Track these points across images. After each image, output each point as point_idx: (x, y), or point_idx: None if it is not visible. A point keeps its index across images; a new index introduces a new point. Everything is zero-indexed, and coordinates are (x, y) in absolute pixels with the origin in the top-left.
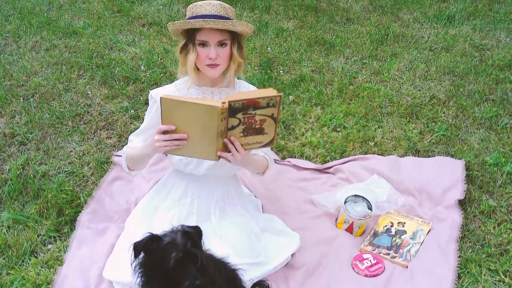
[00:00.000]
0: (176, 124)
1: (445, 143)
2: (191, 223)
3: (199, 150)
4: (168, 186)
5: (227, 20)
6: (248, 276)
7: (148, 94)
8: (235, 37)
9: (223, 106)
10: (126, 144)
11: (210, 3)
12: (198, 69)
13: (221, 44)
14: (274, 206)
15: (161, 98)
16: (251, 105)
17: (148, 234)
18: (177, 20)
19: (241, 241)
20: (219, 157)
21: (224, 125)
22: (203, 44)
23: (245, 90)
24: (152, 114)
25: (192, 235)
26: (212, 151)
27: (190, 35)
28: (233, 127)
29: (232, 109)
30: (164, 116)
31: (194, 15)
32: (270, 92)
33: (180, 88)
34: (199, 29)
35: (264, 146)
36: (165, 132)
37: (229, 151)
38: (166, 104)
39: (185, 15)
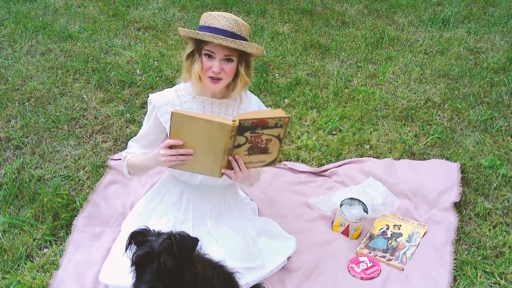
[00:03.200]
0: (184, 138)
1: (440, 146)
2: (187, 228)
3: (203, 166)
4: (164, 190)
5: (236, 40)
6: (245, 280)
7: (143, 97)
8: (243, 56)
9: (233, 124)
10: (125, 148)
11: (224, 17)
12: (200, 80)
13: (227, 59)
14: (270, 209)
15: (172, 112)
16: (260, 124)
17: (143, 227)
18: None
19: (237, 245)
20: (222, 174)
21: (232, 143)
22: (209, 55)
23: (247, 101)
24: (151, 121)
25: (176, 242)
26: (216, 168)
27: (198, 44)
28: (239, 145)
29: (241, 128)
30: (172, 130)
31: (206, 25)
32: (279, 113)
33: (181, 95)
34: (208, 42)
35: (266, 165)
36: (171, 147)
37: (232, 169)
38: (177, 119)
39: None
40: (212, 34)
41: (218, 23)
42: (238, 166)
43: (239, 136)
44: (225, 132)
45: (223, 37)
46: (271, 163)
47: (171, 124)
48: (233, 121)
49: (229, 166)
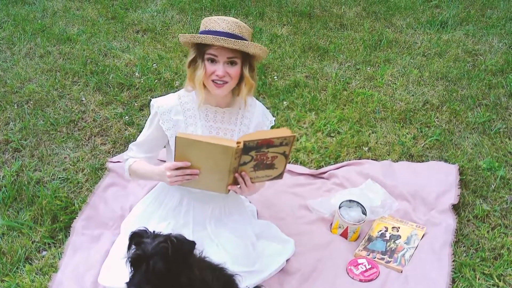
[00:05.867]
0: (189, 160)
1: (438, 148)
2: (187, 232)
3: (209, 184)
4: (163, 194)
5: (239, 40)
6: (244, 284)
7: (142, 100)
8: (246, 58)
9: (238, 146)
10: (124, 151)
11: (225, 20)
12: (205, 86)
13: (231, 62)
14: (269, 212)
15: (176, 137)
16: (264, 144)
17: (142, 228)
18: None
19: (237, 248)
20: (229, 190)
21: (237, 162)
22: (212, 60)
23: (252, 108)
24: (153, 127)
25: (172, 245)
26: (222, 186)
27: (200, 49)
28: (245, 163)
29: (246, 148)
30: (177, 153)
31: (207, 29)
32: (284, 132)
33: (184, 102)
34: (210, 45)
35: (273, 179)
36: (178, 168)
37: (238, 184)
38: (181, 142)
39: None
40: (213, 36)
41: (219, 26)
42: (244, 182)
43: (245, 155)
44: (229, 154)
45: (225, 38)
46: (278, 177)
47: (175, 147)
48: (238, 143)
49: (235, 182)
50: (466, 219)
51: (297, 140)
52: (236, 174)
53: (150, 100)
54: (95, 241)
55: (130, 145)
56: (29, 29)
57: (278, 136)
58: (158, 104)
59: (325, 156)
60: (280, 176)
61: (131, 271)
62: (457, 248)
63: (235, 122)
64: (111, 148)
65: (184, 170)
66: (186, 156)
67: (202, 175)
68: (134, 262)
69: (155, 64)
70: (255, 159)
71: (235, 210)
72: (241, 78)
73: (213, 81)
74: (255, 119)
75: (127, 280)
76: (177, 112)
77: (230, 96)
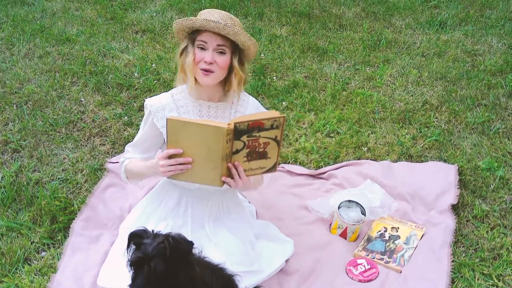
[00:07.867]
0: (181, 146)
1: (437, 148)
2: (185, 232)
3: (203, 175)
4: (162, 194)
5: (229, 24)
6: (243, 284)
7: (141, 100)
8: (236, 50)
9: (228, 127)
10: (123, 151)
11: (219, 12)
12: (196, 80)
13: (220, 50)
14: (268, 212)
15: (167, 119)
16: (255, 126)
17: (141, 228)
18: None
19: (236, 248)
20: (223, 182)
21: (229, 148)
22: (202, 47)
23: (245, 103)
24: (148, 126)
25: (169, 245)
26: (216, 176)
27: (192, 38)
28: (237, 151)
29: (238, 131)
30: (169, 138)
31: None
32: (274, 113)
33: (177, 99)
34: (201, 32)
35: (267, 171)
36: (170, 156)
37: (232, 176)
38: (172, 125)
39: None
40: (204, 19)
41: (212, 16)
42: (238, 174)
43: (237, 141)
44: (221, 136)
45: (216, 22)
46: (271, 169)
47: (167, 132)
48: (228, 124)
49: (229, 174)
50: (465, 219)
51: (296, 140)
52: (230, 165)
53: None
54: (94, 242)
55: (126, 147)
56: (28, 30)
57: (268, 117)
58: (151, 103)
59: (324, 157)
60: (273, 168)
61: (133, 272)
62: (456, 248)
63: (228, 116)
64: (110, 148)
65: (177, 159)
66: (178, 142)
67: (195, 164)
68: (135, 264)
69: (154, 65)
70: (248, 146)
71: (233, 208)
72: (230, 70)
73: (201, 69)
74: (248, 113)
75: (129, 282)
76: (171, 109)
77: (222, 91)
